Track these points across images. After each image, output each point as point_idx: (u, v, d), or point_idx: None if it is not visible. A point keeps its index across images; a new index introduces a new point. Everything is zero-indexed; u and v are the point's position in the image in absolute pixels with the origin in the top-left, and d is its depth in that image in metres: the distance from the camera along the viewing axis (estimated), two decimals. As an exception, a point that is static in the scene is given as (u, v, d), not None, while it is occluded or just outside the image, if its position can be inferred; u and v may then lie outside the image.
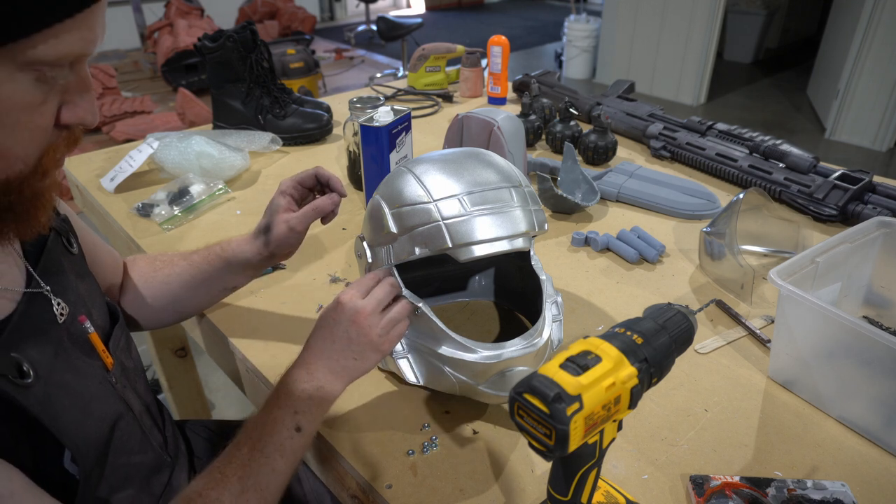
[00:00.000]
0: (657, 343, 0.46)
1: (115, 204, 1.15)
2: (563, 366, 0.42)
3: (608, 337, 0.46)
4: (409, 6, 8.29)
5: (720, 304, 0.85)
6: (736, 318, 0.83)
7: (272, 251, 0.74)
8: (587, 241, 1.00)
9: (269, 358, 0.77)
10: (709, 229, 0.91)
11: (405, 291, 0.67)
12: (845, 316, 0.62)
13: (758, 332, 0.79)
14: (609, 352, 0.44)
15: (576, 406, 0.40)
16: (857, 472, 0.61)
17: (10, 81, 0.43)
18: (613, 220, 1.08)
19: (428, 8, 8.14)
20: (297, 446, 0.57)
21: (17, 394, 0.47)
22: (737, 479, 0.59)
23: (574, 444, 0.41)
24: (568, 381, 0.41)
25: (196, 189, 1.14)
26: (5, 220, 0.49)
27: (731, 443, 0.64)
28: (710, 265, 0.92)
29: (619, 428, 0.47)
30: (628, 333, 0.46)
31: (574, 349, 0.44)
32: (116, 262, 0.78)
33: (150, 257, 0.81)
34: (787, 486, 0.58)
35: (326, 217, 0.74)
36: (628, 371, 0.44)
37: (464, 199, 0.64)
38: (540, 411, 0.41)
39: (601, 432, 0.45)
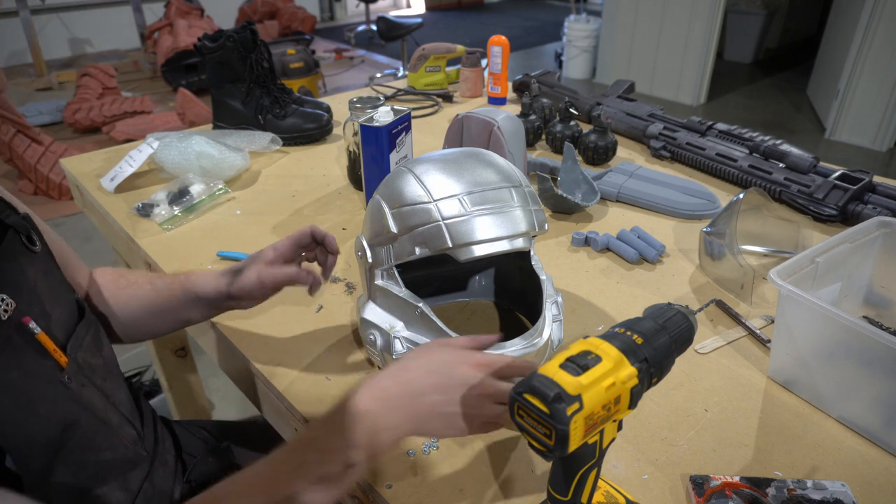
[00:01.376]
0: (657, 343, 0.46)
1: (115, 204, 1.15)
2: (563, 366, 0.42)
3: (608, 337, 0.46)
4: (409, 6, 8.29)
5: (720, 304, 0.85)
6: (736, 318, 0.83)
7: (233, 293, 0.71)
8: (587, 241, 1.00)
9: (269, 358, 0.77)
10: (709, 229, 0.91)
11: (404, 291, 0.67)
12: (845, 316, 0.62)
13: (758, 332, 0.79)
14: (609, 352, 0.44)
15: (576, 406, 0.40)
16: (857, 472, 0.61)
17: None
18: (613, 220, 1.08)
19: (428, 8, 8.14)
20: (342, 482, 0.50)
21: None
22: (737, 479, 0.59)
23: (574, 444, 0.41)
24: (568, 381, 0.41)
25: (196, 189, 1.14)
26: None
27: (731, 443, 0.64)
28: (710, 265, 0.92)
29: (619, 428, 0.47)
30: (628, 333, 0.46)
31: (574, 349, 0.44)
32: (80, 270, 0.76)
33: (116, 273, 0.79)
34: (787, 486, 0.58)
35: (312, 288, 0.71)
36: (628, 371, 0.44)
37: (464, 199, 0.64)
38: (540, 411, 0.41)
39: (601, 432, 0.45)
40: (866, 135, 3.77)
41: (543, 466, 0.62)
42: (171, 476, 0.74)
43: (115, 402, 0.68)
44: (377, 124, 0.99)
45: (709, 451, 0.63)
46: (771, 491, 0.57)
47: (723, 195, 1.15)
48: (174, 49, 3.43)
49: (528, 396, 0.42)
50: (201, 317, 0.77)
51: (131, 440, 0.68)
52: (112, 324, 0.77)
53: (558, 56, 5.52)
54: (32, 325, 0.57)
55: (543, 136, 1.39)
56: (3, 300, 0.55)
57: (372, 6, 6.56)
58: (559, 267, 0.95)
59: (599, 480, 0.53)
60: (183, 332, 1.45)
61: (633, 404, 0.45)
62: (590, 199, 1.09)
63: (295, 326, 0.82)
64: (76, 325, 0.65)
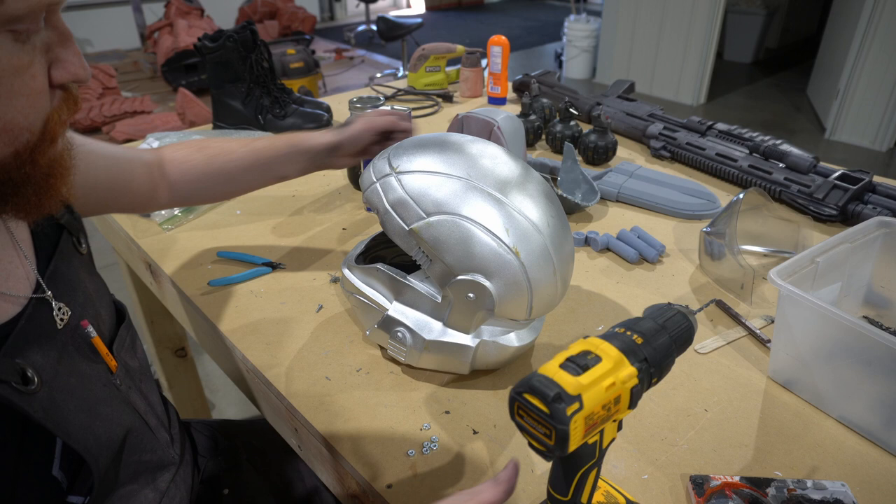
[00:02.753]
0: (657, 343, 0.46)
1: (115, 204, 1.15)
2: (563, 365, 0.42)
3: (608, 337, 0.46)
4: (409, 6, 8.29)
5: (720, 304, 0.85)
6: (736, 318, 0.83)
7: (340, 142, 0.81)
8: (587, 241, 1.00)
9: (269, 358, 0.77)
10: (709, 229, 0.91)
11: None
12: (845, 316, 0.62)
13: (758, 332, 0.79)
14: (609, 352, 0.44)
15: (576, 406, 0.40)
16: (857, 472, 0.61)
17: None
18: (613, 220, 1.08)
19: (428, 8, 8.14)
20: None
21: (21, 401, 0.47)
22: (737, 479, 0.59)
23: (574, 444, 0.41)
24: (568, 381, 0.41)
25: (196, 189, 1.14)
26: (26, 195, 0.47)
27: (731, 443, 0.64)
28: (710, 265, 0.92)
29: (619, 428, 0.47)
30: (628, 333, 0.46)
31: (574, 349, 0.44)
32: (146, 164, 0.80)
33: (195, 145, 0.84)
34: (787, 486, 0.58)
35: (393, 135, 0.84)
36: (628, 371, 0.44)
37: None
38: (540, 411, 0.41)
39: (601, 432, 0.45)
40: (866, 135, 3.77)
41: (543, 466, 0.62)
42: (190, 476, 0.74)
43: (152, 403, 0.68)
44: (377, 124, 0.99)
45: (709, 451, 0.63)
46: (771, 491, 0.57)
47: (723, 195, 1.15)
48: (174, 49, 3.43)
49: (527, 396, 0.41)
50: (298, 172, 0.85)
51: (165, 443, 0.69)
52: (207, 188, 0.84)
53: (558, 56, 5.52)
54: (90, 328, 0.57)
55: (543, 136, 1.39)
56: (59, 308, 0.55)
57: (372, 6, 6.56)
58: (559, 267, 0.95)
59: (599, 480, 0.53)
60: (183, 332, 1.45)
61: (633, 404, 0.45)
62: (590, 199, 1.09)
63: (295, 326, 0.82)
64: (117, 327, 0.65)
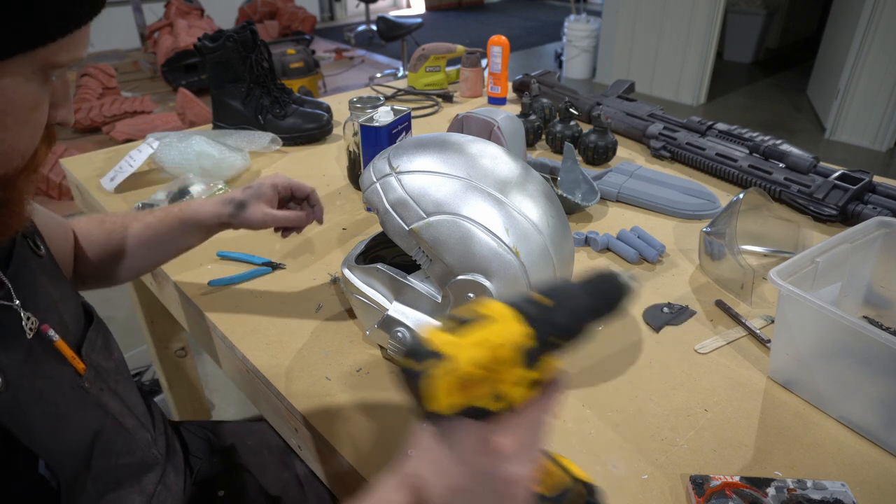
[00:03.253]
0: (570, 305, 0.42)
1: (115, 204, 1.15)
2: (441, 326, 0.40)
3: (512, 299, 0.42)
4: (409, 6, 8.29)
5: (720, 304, 0.85)
6: (736, 318, 0.83)
7: (234, 225, 0.78)
8: (587, 241, 1.00)
9: (269, 358, 0.77)
10: (709, 229, 0.91)
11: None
12: (845, 316, 0.62)
13: (758, 332, 0.79)
14: (499, 311, 0.41)
15: (439, 362, 0.38)
16: (857, 472, 0.61)
17: (27, 82, 0.46)
18: (613, 220, 1.08)
19: (428, 8, 8.14)
20: None
21: None
22: (737, 479, 0.59)
23: (444, 402, 0.39)
24: (439, 340, 0.39)
25: (196, 189, 1.14)
26: (1, 217, 0.50)
27: (731, 443, 0.64)
28: (710, 265, 0.92)
29: (543, 392, 0.43)
30: (538, 297, 0.42)
31: (462, 310, 0.42)
32: (66, 231, 0.77)
33: (96, 219, 0.81)
34: (787, 486, 0.58)
35: (287, 231, 0.81)
36: (517, 330, 0.40)
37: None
38: (409, 371, 0.39)
39: (504, 398, 0.41)
40: (866, 135, 3.77)
41: (543, 466, 0.62)
42: (181, 477, 0.74)
43: (130, 405, 0.68)
44: (377, 124, 0.99)
45: (709, 451, 0.63)
46: (771, 491, 0.57)
47: (723, 195, 1.15)
48: (174, 49, 3.43)
49: (403, 361, 0.39)
50: (199, 241, 0.82)
51: (146, 443, 0.68)
52: (107, 267, 0.79)
53: (558, 56, 5.52)
54: (51, 332, 0.57)
55: (543, 136, 1.39)
56: (28, 318, 0.55)
57: (372, 6, 6.56)
58: (559, 267, 0.95)
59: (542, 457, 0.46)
60: (183, 332, 1.45)
61: (530, 365, 0.40)
62: (590, 199, 1.09)
63: (295, 326, 0.82)
64: (86, 329, 0.65)
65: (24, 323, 0.55)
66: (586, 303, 0.42)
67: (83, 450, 0.57)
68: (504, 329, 0.40)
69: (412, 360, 0.38)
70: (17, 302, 0.55)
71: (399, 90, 1.75)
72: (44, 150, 0.52)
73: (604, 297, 0.43)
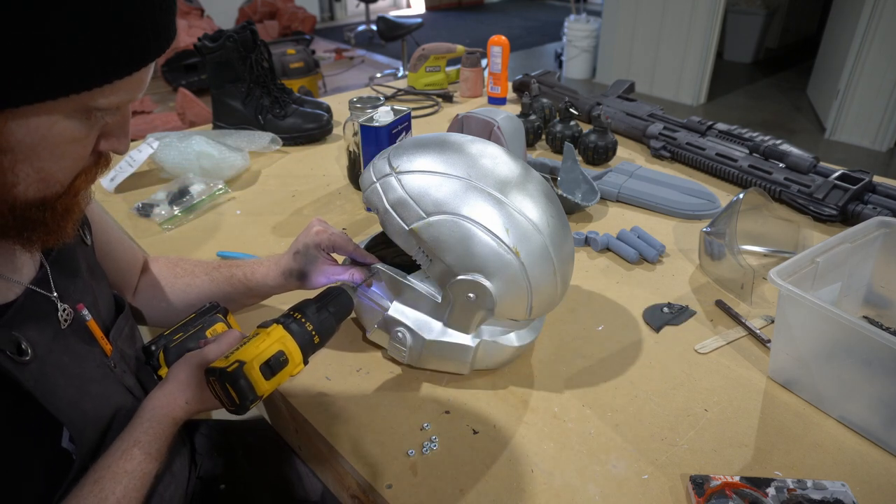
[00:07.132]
0: (320, 318, 0.63)
1: (115, 204, 1.15)
2: (261, 368, 0.57)
3: (282, 318, 0.62)
4: (409, 6, 8.29)
5: (720, 304, 0.85)
6: (736, 318, 0.83)
7: (300, 270, 0.77)
8: (587, 241, 1.00)
9: (269, 358, 0.77)
10: (709, 229, 0.91)
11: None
12: (845, 316, 0.62)
13: (758, 332, 0.79)
14: (289, 347, 0.60)
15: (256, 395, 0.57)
16: (857, 472, 0.61)
17: (66, 120, 0.47)
18: (613, 220, 1.08)
19: (428, 8, 8.14)
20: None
21: (15, 369, 0.49)
22: (737, 479, 0.59)
23: (259, 394, 0.57)
24: (261, 384, 0.57)
25: (196, 189, 1.14)
26: (37, 233, 0.52)
27: (731, 443, 0.64)
28: (710, 265, 0.92)
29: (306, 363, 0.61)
30: (297, 315, 0.62)
31: (267, 349, 0.58)
32: (135, 259, 0.80)
33: (171, 261, 0.82)
34: (787, 486, 0.58)
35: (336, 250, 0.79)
36: (284, 336, 0.60)
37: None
38: (230, 396, 0.57)
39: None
40: (866, 135, 3.77)
41: (543, 466, 0.62)
42: (185, 469, 0.75)
43: (148, 391, 0.69)
44: (377, 124, 0.99)
45: (709, 451, 0.63)
46: (771, 491, 0.57)
47: (723, 195, 1.15)
48: (174, 49, 3.43)
49: (227, 385, 0.56)
50: (254, 304, 0.84)
51: None
52: (156, 311, 0.81)
53: (558, 56, 5.52)
54: (85, 312, 0.61)
55: (543, 136, 1.39)
56: (65, 310, 0.58)
57: (372, 6, 6.55)
58: (559, 267, 0.95)
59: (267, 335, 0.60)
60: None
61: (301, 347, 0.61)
62: (590, 199, 1.09)
63: (295, 326, 0.82)
64: (116, 317, 0.68)
65: (59, 314, 0.58)
66: (328, 315, 0.64)
67: (103, 423, 0.59)
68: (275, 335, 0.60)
69: (245, 404, 0.57)
70: (56, 294, 0.58)
71: (399, 90, 1.75)
72: (88, 177, 0.53)
73: (337, 307, 0.65)
